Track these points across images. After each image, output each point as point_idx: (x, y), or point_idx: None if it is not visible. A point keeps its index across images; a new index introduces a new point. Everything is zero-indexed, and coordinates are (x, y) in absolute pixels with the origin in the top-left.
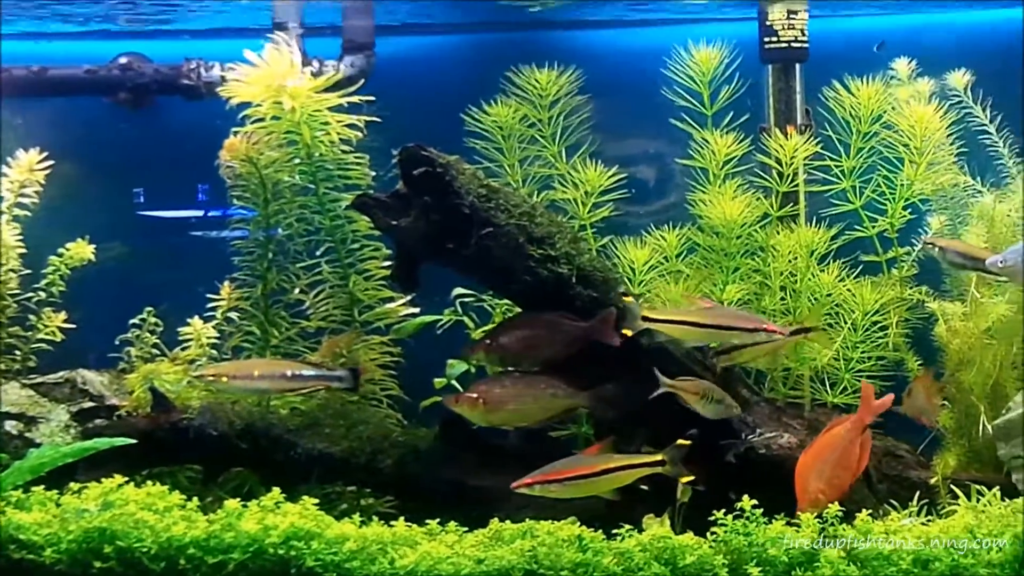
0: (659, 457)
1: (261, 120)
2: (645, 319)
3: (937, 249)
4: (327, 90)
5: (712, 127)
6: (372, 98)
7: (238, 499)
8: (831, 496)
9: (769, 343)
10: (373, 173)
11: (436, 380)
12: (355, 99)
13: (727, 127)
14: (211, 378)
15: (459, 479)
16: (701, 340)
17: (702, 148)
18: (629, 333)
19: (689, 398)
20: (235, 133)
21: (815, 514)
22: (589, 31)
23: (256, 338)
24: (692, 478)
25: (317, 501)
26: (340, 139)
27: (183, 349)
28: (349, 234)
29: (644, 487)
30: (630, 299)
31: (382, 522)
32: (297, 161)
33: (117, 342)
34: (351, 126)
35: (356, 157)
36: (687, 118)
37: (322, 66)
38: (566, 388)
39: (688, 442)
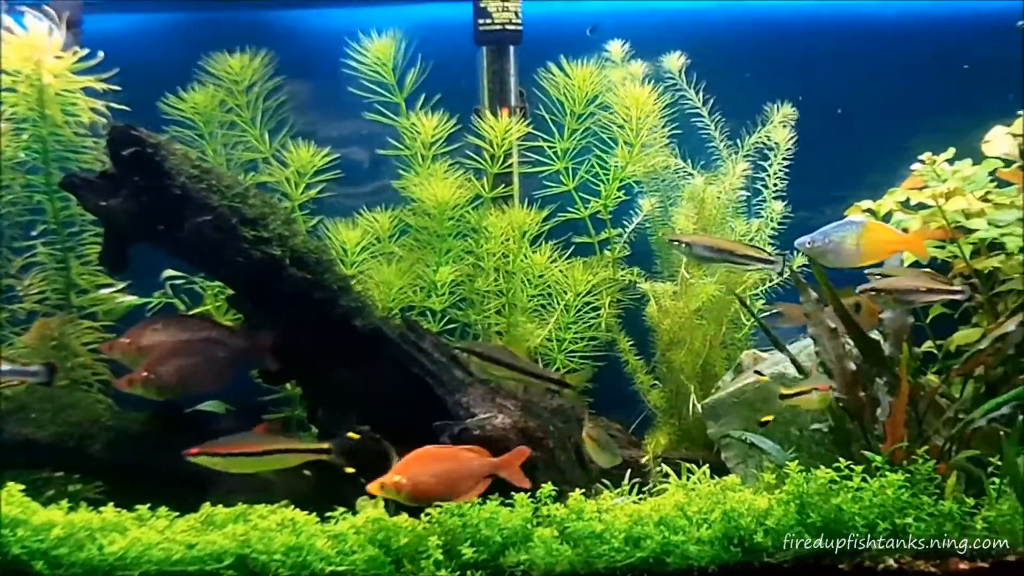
0: (325, 446)
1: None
2: None
3: (683, 245)
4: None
5: (420, 108)
6: (118, 88)
7: None
8: (405, 488)
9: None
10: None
11: None
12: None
13: (439, 108)
14: None
15: (171, 463)
16: None
17: (408, 130)
18: None
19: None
20: None
21: (383, 492)
22: (306, 10)
23: None
24: (353, 471)
25: (23, 487)
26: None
27: None
28: (76, 217)
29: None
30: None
31: (91, 508)
32: (25, 137)
33: None
34: (94, 109)
35: (94, 141)
36: (395, 100)
37: None
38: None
39: (357, 436)
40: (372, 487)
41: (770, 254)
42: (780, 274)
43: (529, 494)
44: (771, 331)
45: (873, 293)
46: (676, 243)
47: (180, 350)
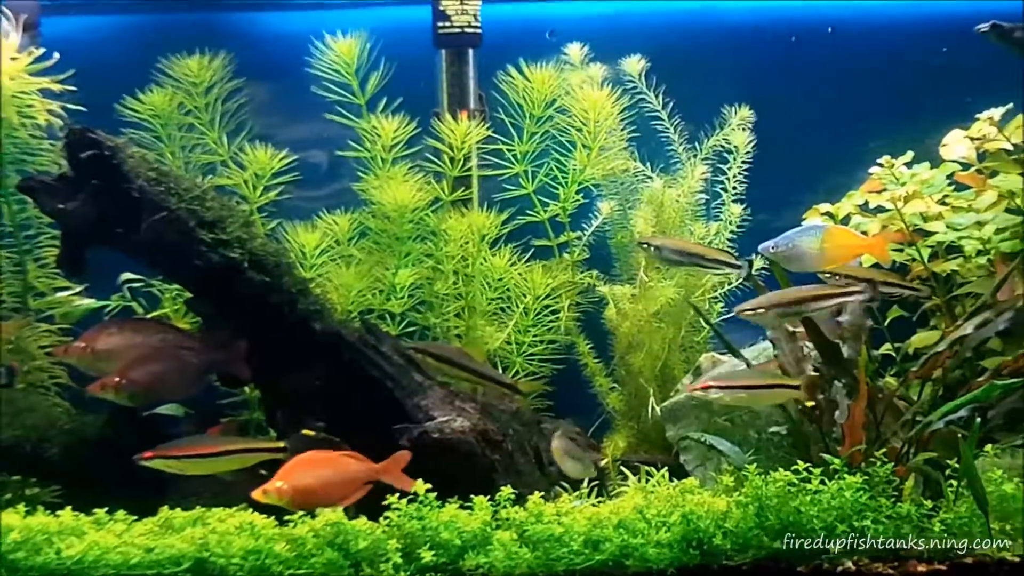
0: (281, 445)
1: None
2: None
3: (652, 248)
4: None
5: (380, 111)
6: (75, 90)
7: None
8: (286, 493)
9: None
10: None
11: None
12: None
13: (398, 111)
14: None
15: (128, 467)
16: None
17: (368, 133)
18: None
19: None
20: None
21: (265, 498)
22: (266, 13)
23: None
24: None
25: None
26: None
27: None
28: (32, 219)
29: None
30: None
31: (48, 512)
32: None
33: None
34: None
35: (51, 143)
36: (356, 102)
37: None
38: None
39: (312, 433)
40: (255, 493)
41: (737, 258)
42: (748, 277)
43: (488, 497)
44: (725, 336)
45: (750, 312)
46: (645, 246)
47: (152, 356)
